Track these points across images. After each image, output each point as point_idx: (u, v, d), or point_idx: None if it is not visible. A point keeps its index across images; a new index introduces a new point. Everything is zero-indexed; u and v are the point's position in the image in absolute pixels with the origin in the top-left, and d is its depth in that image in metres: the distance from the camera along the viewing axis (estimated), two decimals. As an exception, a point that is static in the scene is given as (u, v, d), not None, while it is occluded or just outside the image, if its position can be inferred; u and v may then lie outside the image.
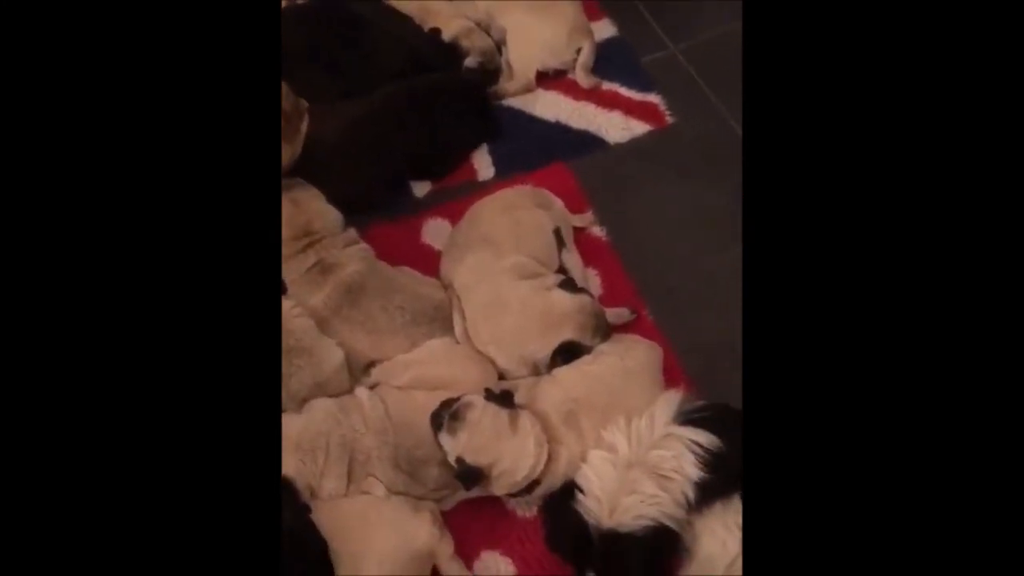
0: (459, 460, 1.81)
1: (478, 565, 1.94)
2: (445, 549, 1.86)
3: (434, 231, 2.43)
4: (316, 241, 2.11)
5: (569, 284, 2.09)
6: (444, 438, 1.82)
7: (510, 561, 1.95)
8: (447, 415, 1.83)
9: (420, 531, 1.83)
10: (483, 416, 1.82)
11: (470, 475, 1.81)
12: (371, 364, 2.06)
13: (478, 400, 1.84)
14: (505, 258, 2.12)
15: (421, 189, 2.55)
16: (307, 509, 1.76)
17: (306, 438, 1.84)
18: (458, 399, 1.85)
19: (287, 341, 1.95)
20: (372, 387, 1.99)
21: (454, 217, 2.37)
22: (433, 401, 1.88)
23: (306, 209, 2.13)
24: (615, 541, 1.83)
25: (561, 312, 2.04)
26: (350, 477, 1.85)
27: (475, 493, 1.92)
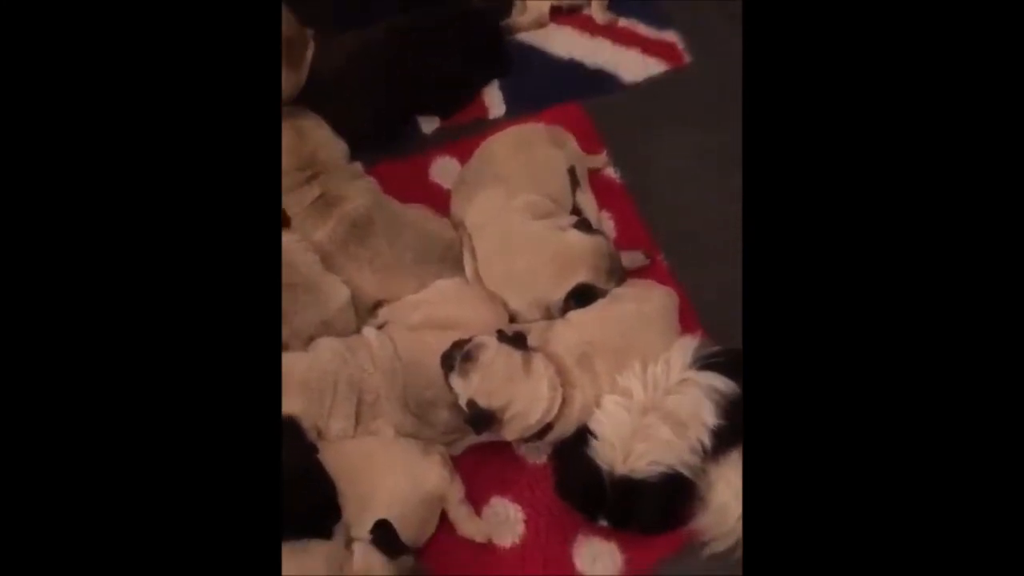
0: (470, 403, 1.74)
1: (487, 511, 1.88)
2: (455, 493, 1.80)
3: (442, 169, 2.33)
4: (320, 172, 2.00)
5: (584, 225, 2.00)
6: (455, 380, 1.75)
7: (519, 508, 1.89)
8: (459, 356, 1.75)
9: (430, 474, 1.77)
10: (496, 358, 1.74)
11: (481, 419, 1.74)
12: (377, 304, 1.98)
13: (491, 341, 1.77)
14: (517, 196, 2.03)
15: (429, 126, 2.44)
16: (314, 449, 1.70)
17: (313, 377, 1.77)
18: (469, 340, 1.77)
19: (291, 276, 1.87)
20: (380, 327, 1.91)
21: (463, 155, 2.27)
22: (443, 342, 1.80)
23: (311, 138, 2.03)
24: (628, 488, 1.78)
25: (576, 253, 1.95)
26: (358, 418, 1.78)
27: (485, 438, 1.86)
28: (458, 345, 1.77)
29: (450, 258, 2.02)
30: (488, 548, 1.84)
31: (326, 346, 1.83)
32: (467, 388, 1.74)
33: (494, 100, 2.49)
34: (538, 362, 1.78)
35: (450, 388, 1.78)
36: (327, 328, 1.90)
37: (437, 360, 1.79)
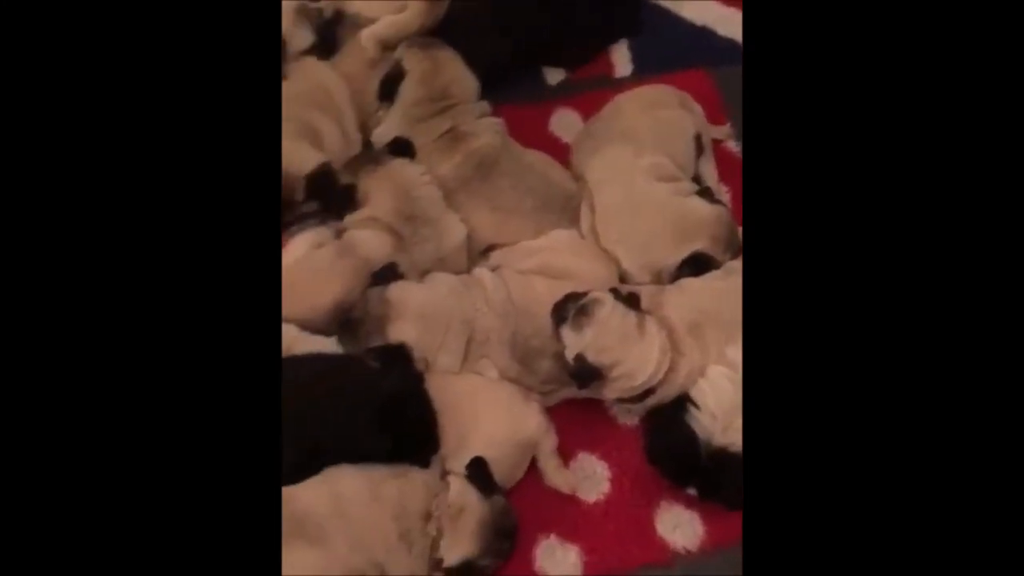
0: (579, 357, 1.72)
1: (574, 465, 1.87)
2: (549, 443, 1.80)
3: (562, 122, 2.30)
4: (452, 106, 2.00)
5: (707, 193, 1.96)
6: (567, 332, 1.73)
7: (606, 466, 1.88)
8: (573, 309, 1.73)
9: (529, 420, 1.77)
10: (612, 315, 1.72)
11: (588, 374, 1.73)
12: (489, 248, 1.97)
13: (607, 298, 1.74)
14: (643, 157, 1.99)
15: (554, 77, 2.40)
16: (420, 378, 1.70)
17: (429, 310, 1.77)
18: (584, 294, 1.75)
19: (413, 208, 1.88)
20: (492, 270, 1.90)
21: (585, 110, 2.24)
22: (555, 291, 1.79)
23: (445, 71, 2.02)
24: (723, 460, 1.75)
25: (697, 220, 1.92)
26: (465, 356, 1.78)
27: (584, 394, 1.84)
28: (572, 297, 1.75)
29: (569, 209, 1.99)
30: (572, 500, 1.83)
31: (443, 281, 1.83)
32: (578, 342, 1.72)
33: (621, 59, 2.44)
34: (651, 325, 1.75)
35: (558, 339, 1.76)
36: (441, 264, 1.90)
37: (547, 309, 1.78)
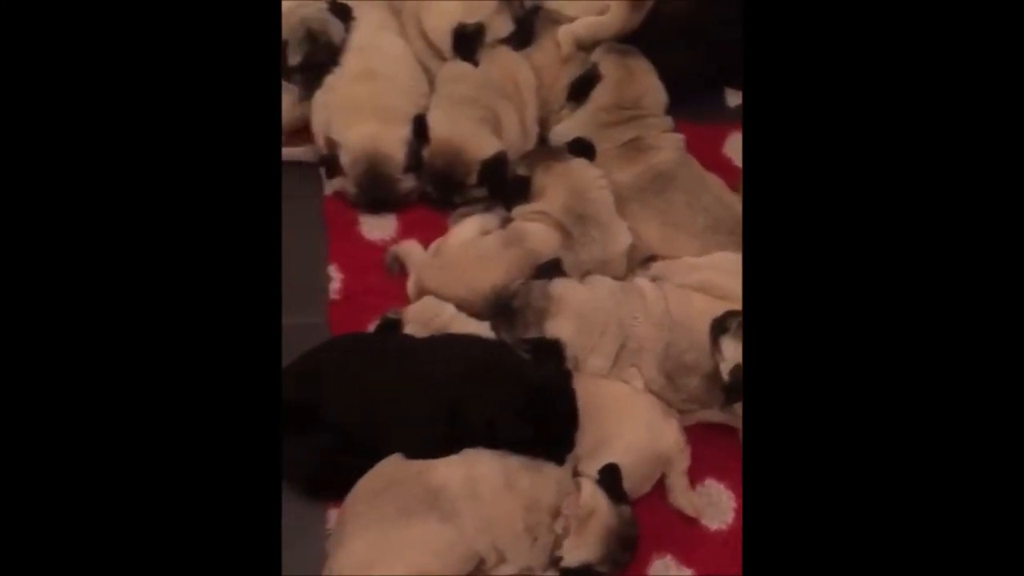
0: (736, 369, 1.68)
1: (700, 489, 1.83)
2: (682, 462, 1.78)
3: (737, 145, 2.25)
4: (639, 117, 2.00)
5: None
6: (727, 342, 1.70)
7: (732, 496, 1.84)
8: (735, 322, 1.70)
9: (668, 435, 1.75)
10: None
11: (743, 388, 1.69)
12: (651, 258, 1.95)
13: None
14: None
15: (733, 99, 2.37)
16: (569, 375, 1.71)
17: (588, 310, 1.78)
18: (744, 316, 1.72)
19: (586, 208, 1.89)
20: (652, 280, 1.89)
21: (762, 137, 2.19)
22: (715, 310, 1.76)
23: (640, 82, 2.03)
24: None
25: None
26: (616, 361, 1.78)
27: (723, 418, 1.81)
28: (734, 313, 1.72)
29: (737, 234, 1.95)
30: (694, 524, 1.80)
31: (605, 284, 1.83)
32: (738, 354, 1.68)
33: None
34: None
35: (716, 351, 1.73)
36: (602, 268, 1.90)
37: (704, 324, 1.75)
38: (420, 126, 2.06)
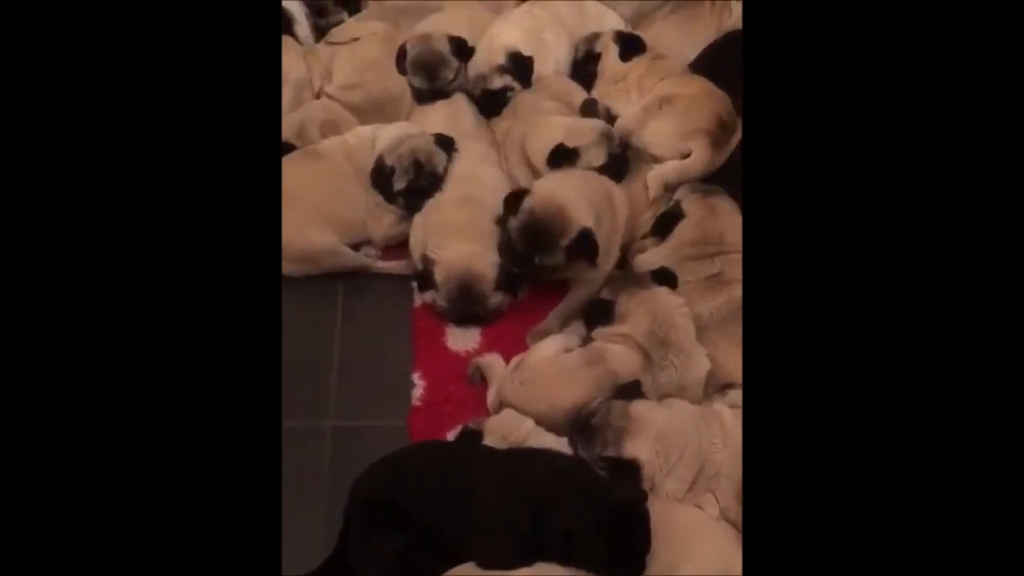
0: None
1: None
2: (754, 595, 1.70)
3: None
4: (723, 253, 2.05)
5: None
6: None
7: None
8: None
9: (740, 566, 1.68)
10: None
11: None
12: (728, 385, 1.95)
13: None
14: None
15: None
16: (645, 496, 1.68)
17: (667, 432, 1.77)
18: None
19: (669, 334, 1.92)
20: (731, 407, 1.88)
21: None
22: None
23: (723, 219, 2.09)
24: None
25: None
26: (691, 486, 1.75)
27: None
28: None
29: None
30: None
31: (684, 408, 1.84)
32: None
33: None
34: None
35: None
36: (681, 392, 1.91)
37: (781, 459, 1.72)
38: (512, 201, 2.13)
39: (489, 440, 1.87)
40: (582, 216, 2.07)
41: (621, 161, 2.26)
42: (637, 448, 1.75)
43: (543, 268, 2.10)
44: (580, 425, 1.81)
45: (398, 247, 2.35)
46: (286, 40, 2.62)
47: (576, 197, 2.09)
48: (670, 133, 2.24)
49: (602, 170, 2.23)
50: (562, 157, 2.22)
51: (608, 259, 2.17)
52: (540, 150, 2.26)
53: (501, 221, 2.12)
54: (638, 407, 1.80)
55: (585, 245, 2.05)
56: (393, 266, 2.32)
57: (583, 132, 2.25)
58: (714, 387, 1.97)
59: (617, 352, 1.91)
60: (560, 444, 1.83)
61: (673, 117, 2.25)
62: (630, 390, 1.83)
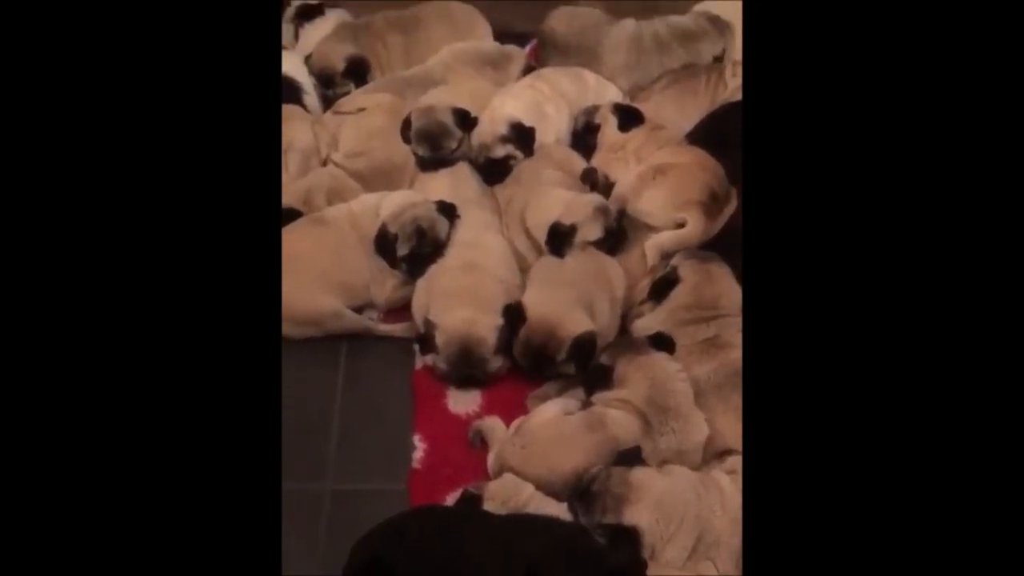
0: None
1: None
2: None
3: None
4: (718, 317, 2.07)
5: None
6: None
7: None
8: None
9: (741, 636, 1.66)
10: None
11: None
12: (726, 452, 1.94)
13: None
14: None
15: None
16: (645, 565, 1.66)
17: (667, 501, 1.76)
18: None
19: (666, 399, 1.92)
20: (729, 473, 1.87)
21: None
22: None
23: (719, 284, 2.12)
24: None
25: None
26: (691, 554, 1.73)
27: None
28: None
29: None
30: None
31: (684, 476, 1.83)
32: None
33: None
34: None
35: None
36: (679, 458, 1.90)
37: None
38: (513, 314, 2.18)
39: (489, 505, 1.85)
40: (575, 325, 2.12)
41: (617, 235, 2.30)
42: (637, 516, 1.73)
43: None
44: (580, 491, 1.79)
45: (400, 310, 2.37)
46: (295, 109, 2.69)
47: (568, 304, 2.14)
48: (664, 203, 2.29)
49: (599, 244, 2.28)
50: (560, 237, 2.26)
51: (610, 332, 2.21)
52: (538, 224, 2.31)
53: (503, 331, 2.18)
54: (638, 474, 1.78)
55: (581, 351, 2.11)
56: (395, 329, 2.34)
57: (579, 207, 2.30)
58: (712, 453, 1.96)
59: (617, 417, 1.91)
60: (560, 510, 1.82)
61: (666, 188, 2.30)
62: (630, 457, 1.83)
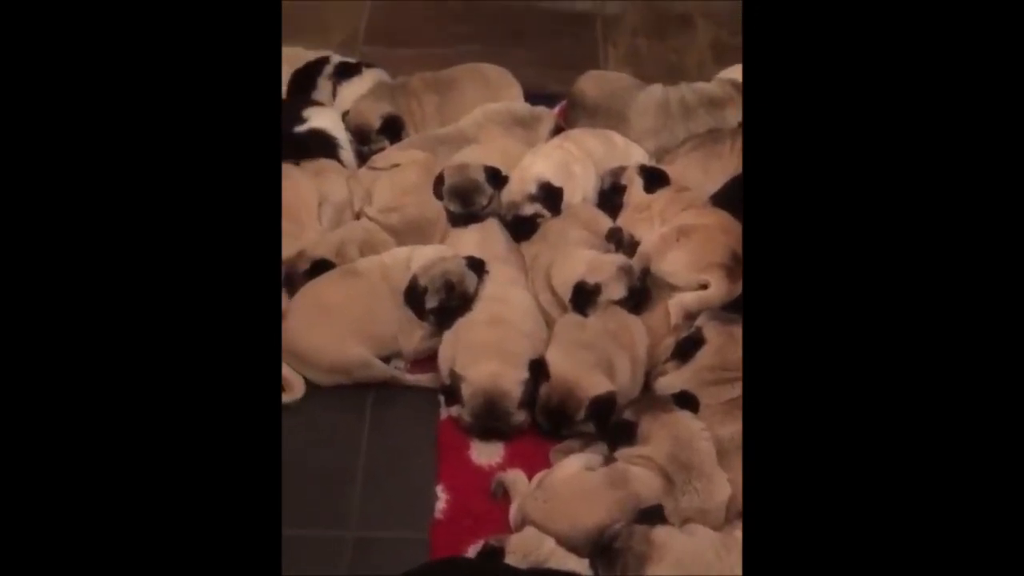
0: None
1: None
2: None
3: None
4: (740, 378, 2.06)
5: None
6: None
7: None
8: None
9: None
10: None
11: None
12: (748, 513, 1.94)
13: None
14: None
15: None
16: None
17: (688, 560, 1.76)
18: None
19: (690, 457, 1.93)
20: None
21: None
22: None
23: (741, 347, 2.11)
24: None
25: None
26: (711, 612, 1.72)
27: None
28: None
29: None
30: None
31: (706, 536, 1.82)
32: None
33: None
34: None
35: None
36: (702, 517, 1.90)
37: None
38: (538, 369, 2.21)
39: (511, 558, 1.85)
40: (594, 385, 2.14)
41: (641, 294, 2.33)
42: (658, 574, 1.73)
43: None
44: (601, 548, 1.79)
45: (426, 360, 2.40)
46: (331, 163, 2.77)
47: (588, 365, 2.17)
48: (687, 264, 2.33)
49: (623, 303, 2.31)
50: (584, 297, 2.30)
51: (635, 387, 2.23)
52: (563, 283, 2.35)
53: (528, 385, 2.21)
54: (660, 533, 1.78)
55: (600, 410, 2.14)
56: (422, 379, 2.37)
57: (604, 267, 2.34)
58: (734, 513, 1.95)
59: (640, 474, 1.92)
60: (582, 566, 1.81)
61: (690, 249, 2.34)
62: (652, 515, 1.83)
